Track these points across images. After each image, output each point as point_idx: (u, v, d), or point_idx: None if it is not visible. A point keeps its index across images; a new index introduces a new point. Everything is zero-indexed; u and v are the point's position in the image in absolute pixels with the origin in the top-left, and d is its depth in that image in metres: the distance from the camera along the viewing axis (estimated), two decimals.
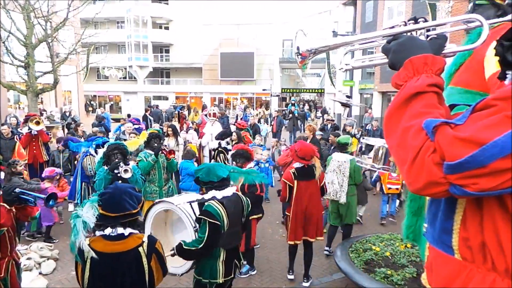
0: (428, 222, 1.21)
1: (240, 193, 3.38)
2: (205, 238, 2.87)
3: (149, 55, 37.06)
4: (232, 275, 3.21)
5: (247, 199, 3.38)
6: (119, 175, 4.68)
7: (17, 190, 2.99)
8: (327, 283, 4.94)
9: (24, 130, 8.10)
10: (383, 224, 7.13)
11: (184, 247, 2.89)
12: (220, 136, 6.46)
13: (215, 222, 2.89)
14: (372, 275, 4.22)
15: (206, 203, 2.99)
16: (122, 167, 4.68)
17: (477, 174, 0.85)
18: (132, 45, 35.71)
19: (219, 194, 3.08)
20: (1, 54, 14.22)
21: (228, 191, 3.14)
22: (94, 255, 2.33)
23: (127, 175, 4.64)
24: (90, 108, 35.19)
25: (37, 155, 7.93)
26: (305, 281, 4.81)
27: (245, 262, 5.28)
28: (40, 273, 5.01)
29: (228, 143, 6.36)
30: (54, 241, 6.00)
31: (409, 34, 1.19)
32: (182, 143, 8.55)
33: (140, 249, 2.36)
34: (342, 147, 5.76)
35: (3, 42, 12.74)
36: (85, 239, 2.35)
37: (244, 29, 35.49)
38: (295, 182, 4.67)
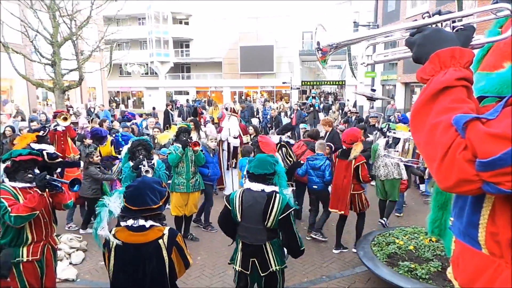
0: (455, 216, 1.19)
1: (277, 196, 3.08)
2: (219, 215, 3.32)
3: (170, 50, 37.48)
4: (248, 272, 3.18)
5: (281, 201, 3.06)
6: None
7: (48, 176, 3.15)
8: (349, 276, 4.92)
9: (51, 126, 8.38)
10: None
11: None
12: (281, 131, 6.42)
13: (227, 205, 3.20)
14: (395, 269, 4.18)
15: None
16: (144, 166, 4.80)
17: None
18: (153, 41, 36.21)
19: (248, 185, 3.22)
20: (30, 53, 14.74)
21: (256, 186, 3.16)
22: (118, 243, 2.43)
23: (148, 175, 4.75)
24: (114, 104, 35.98)
25: (65, 150, 8.20)
26: (354, 247, 5.47)
27: None
28: (70, 263, 5.23)
29: (289, 137, 6.30)
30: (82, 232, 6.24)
31: (434, 26, 1.14)
32: (204, 137, 8.66)
33: (160, 241, 2.42)
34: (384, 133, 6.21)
35: (31, 41, 13.18)
36: (107, 228, 2.45)
37: (263, 22, 35.29)
38: (337, 160, 5.53)
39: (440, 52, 1.02)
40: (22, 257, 3.20)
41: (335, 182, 5.59)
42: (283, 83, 33.09)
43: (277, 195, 3.12)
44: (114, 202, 2.57)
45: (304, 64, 40.15)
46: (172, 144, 6.10)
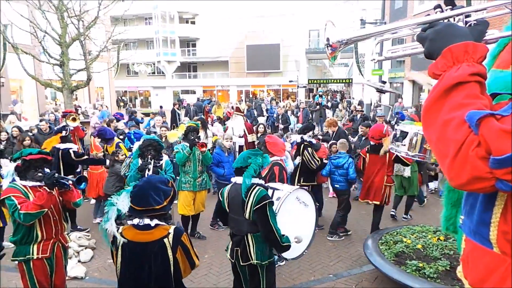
0: (465, 214, 1.17)
1: (256, 188, 3.14)
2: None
3: (177, 50, 37.63)
4: (234, 260, 3.31)
5: (257, 193, 3.11)
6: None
7: (56, 175, 3.21)
8: (356, 275, 4.90)
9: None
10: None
11: None
12: (302, 130, 6.34)
13: (219, 197, 3.44)
14: (403, 268, 4.15)
15: None
16: (148, 171, 4.83)
17: None
18: (160, 41, 36.38)
19: (234, 179, 3.41)
20: (39, 53, 14.91)
21: (239, 180, 3.29)
22: (124, 241, 2.46)
23: None
24: (122, 103, 36.25)
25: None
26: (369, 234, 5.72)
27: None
28: (79, 261, 5.28)
29: (310, 136, 6.27)
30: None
31: (446, 21, 1.13)
32: (211, 136, 8.68)
33: (166, 240, 2.43)
34: None
35: (40, 42, 13.33)
36: (115, 226, 2.47)
37: (269, 20, 35.23)
38: (367, 155, 5.76)
39: (453, 47, 1.00)
40: (32, 254, 3.25)
41: (368, 175, 5.77)
42: (290, 81, 33.03)
43: (257, 187, 3.16)
44: (122, 201, 2.58)
45: (310, 62, 40.02)
46: (180, 143, 6.13)
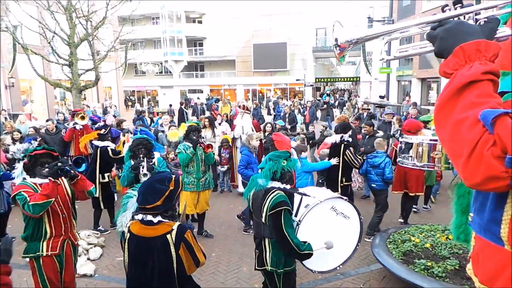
0: (475, 212, 1.16)
1: (274, 192, 3.07)
2: None
3: (184, 49, 37.77)
4: (257, 264, 3.30)
5: (273, 198, 3.03)
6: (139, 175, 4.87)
7: (58, 164, 3.26)
8: (364, 274, 4.88)
9: (70, 125, 8.58)
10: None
11: None
12: (343, 129, 6.19)
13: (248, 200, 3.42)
14: (411, 267, 4.11)
15: None
16: (143, 168, 4.83)
17: None
18: (167, 40, 36.54)
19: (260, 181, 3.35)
20: (48, 54, 15.08)
21: (262, 182, 3.27)
22: (127, 234, 2.52)
23: (145, 178, 4.80)
24: (130, 103, 36.52)
25: (83, 148, 8.37)
26: (403, 221, 6.23)
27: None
28: (88, 259, 5.34)
29: (350, 136, 6.19)
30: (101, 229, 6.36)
31: (456, 19, 1.11)
32: (218, 135, 8.69)
33: (168, 236, 2.43)
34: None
35: (49, 42, 13.49)
36: (129, 218, 2.51)
37: (276, 19, 35.18)
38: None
39: (464, 46, 0.99)
40: (42, 251, 3.31)
41: (402, 168, 5.73)
42: (297, 80, 32.98)
43: (275, 191, 3.06)
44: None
45: (317, 61, 39.87)
46: (181, 142, 6.06)
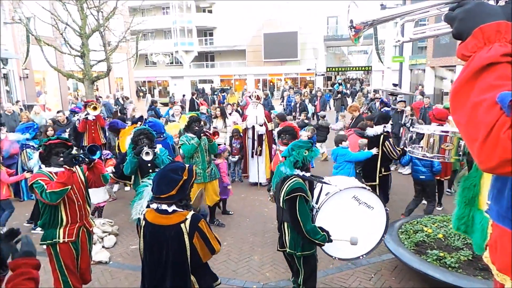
0: (492, 199, 1.14)
1: (292, 179, 3.19)
2: None
3: (194, 39, 37.68)
4: (278, 246, 3.48)
5: (290, 185, 3.16)
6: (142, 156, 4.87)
7: (73, 152, 3.34)
8: (375, 263, 4.87)
9: (82, 115, 8.69)
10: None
11: None
12: (384, 119, 6.18)
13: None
14: (423, 257, 4.08)
15: None
16: (144, 150, 4.84)
17: None
18: (177, 31, 36.49)
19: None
20: (60, 45, 15.23)
21: (284, 169, 3.38)
22: (142, 222, 2.55)
23: (148, 158, 4.81)
24: (141, 94, 36.77)
25: (95, 138, 8.49)
26: (439, 206, 6.38)
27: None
28: (103, 247, 5.45)
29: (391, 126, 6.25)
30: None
31: None
32: (229, 125, 8.70)
33: (182, 225, 2.45)
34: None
35: (61, 34, 13.61)
36: (145, 206, 2.55)
37: (287, 8, 34.71)
38: None
39: (484, 27, 0.97)
40: (59, 238, 3.39)
41: None
42: (308, 69, 32.67)
43: (293, 178, 3.17)
44: None
45: (329, 50, 39.38)
46: (183, 134, 6.00)
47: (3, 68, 18.13)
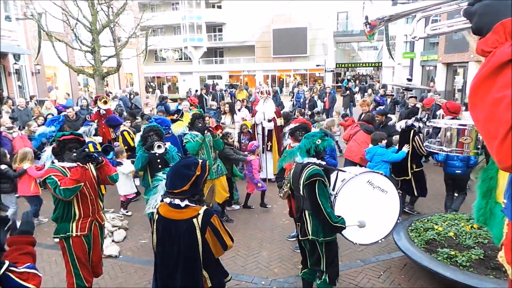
0: (508, 198, 1.12)
1: (310, 166, 3.35)
2: None
3: (203, 35, 37.69)
4: (300, 235, 3.55)
5: (309, 171, 3.31)
6: (154, 152, 4.87)
7: (86, 150, 3.38)
8: (384, 261, 4.85)
9: (95, 110, 8.77)
10: None
11: None
12: (414, 113, 6.22)
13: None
14: (433, 255, 4.05)
15: None
16: (155, 143, 4.85)
17: None
18: (186, 26, 36.53)
19: (297, 159, 3.59)
20: (71, 40, 15.37)
21: (300, 159, 3.51)
22: (155, 216, 2.60)
23: (160, 151, 4.82)
24: (150, 89, 36.96)
25: (105, 132, 8.57)
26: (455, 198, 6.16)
27: (293, 234, 5.37)
28: (112, 241, 5.52)
29: (417, 120, 6.22)
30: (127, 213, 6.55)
31: None
32: (238, 121, 8.69)
33: (195, 220, 2.46)
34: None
35: (72, 29, 13.73)
36: (158, 201, 2.58)
37: (296, 3, 34.47)
38: None
39: (506, 22, 0.94)
40: (72, 232, 3.44)
41: None
42: (317, 65, 32.45)
43: (311, 165, 3.34)
44: None
45: (338, 46, 39.04)
46: (188, 133, 5.97)
47: (15, 63, 18.38)
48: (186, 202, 2.52)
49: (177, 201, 2.52)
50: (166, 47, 34.13)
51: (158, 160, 4.98)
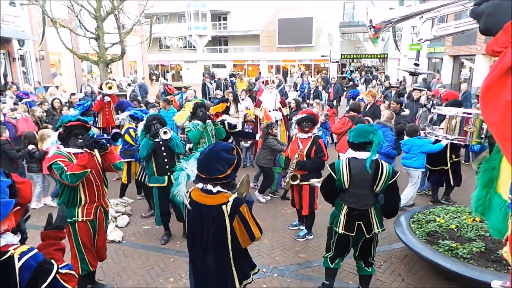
0: None
1: (382, 161, 3.37)
2: (321, 182, 3.64)
3: (208, 23, 37.40)
4: (354, 234, 3.49)
5: (388, 168, 3.34)
6: (158, 140, 4.87)
7: (94, 136, 3.42)
8: (385, 252, 4.88)
9: (99, 97, 8.80)
10: None
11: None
12: (455, 106, 6.36)
13: (332, 173, 3.46)
14: (435, 247, 4.08)
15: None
16: (161, 129, 4.82)
17: None
18: (191, 14, 36.23)
19: (351, 154, 3.46)
20: (75, 27, 15.31)
21: (362, 155, 3.38)
22: (187, 202, 2.61)
23: (166, 136, 4.80)
24: (154, 77, 36.87)
25: (109, 119, 8.60)
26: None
27: (302, 227, 5.40)
28: (116, 226, 5.58)
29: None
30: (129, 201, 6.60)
31: None
32: (242, 110, 8.67)
33: (224, 207, 2.45)
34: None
35: (77, 16, 13.65)
36: (185, 189, 2.63)
37: None
38: None
39: None
40: (77, 217, 3.49)
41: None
42: (322, 56, 32.18)
43: (383, 163, 3.37)
44: (191, 167, 2.71)
45: (344, 36, 38.64)
46: (190, 122, 5.96)
47: (19, 49, 18.36)
48: (219, 188, 2.51)
49: (209, 187, 2.51)
50: (170, 35, 33.91)
51: (162, 148, 4.98)
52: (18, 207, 1.73)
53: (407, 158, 6.15)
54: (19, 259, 1.62)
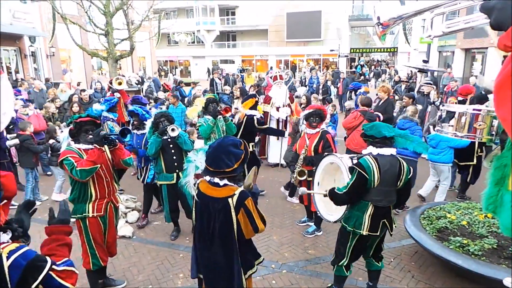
0: None
1: (400, 158, 3.38)
2: (349, 186, 3.29)
3: (216, 18, 37.30)
4: (378, 233, 3.41)
5: (408, 165, 3.38)
6: (166, 137, 4.88)
7: (103, 132, 3.45)
8: (395, 248, 4.85)
9: (108, 94, 8.85)
10: None
11: (335, 190, 3.40)
12: (479, 101, 6.26)
13: (363, 173, 3.24)
14: (445, 244, 4.03)
15: (362, 157, 3.38)
16: (169, 127, 4.83)
17: None
18: (199, 9, 36.17)
19: (375, 151, 3.35)
20: (85, 23, 15.41)
21: (386, 151, 3.33)
22: (194, 193, 2.68)
23: (174, 134, 4.81)
24: (163, 73, 37.00)
25: (119, 115, 8.64)
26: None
27: (311, 223, 5.39)
28: (126, 222, 5.64)
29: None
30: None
31: None
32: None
33: (230, 200, 2.52)
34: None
35: (86, 12, 13.74)
36: (193, 181, 2.69)
37: None
38: None
39: None
40: (88, 213, 3.53)
41: None
42: (331, 50, 31.90)
43: (400, 159, 3.39)
44: (200, 159, 2.79)
45: (353, 30, 38.19)
46: (202, 117, 5.96)
47: (30, 46, 18.57)
48: (225, 181, 2.58)
49: (216, 180, 2.58)
50: (178, 30, 33.94)
51: (171, 145, 5.00)
52: (5, 201, 1.69)
53: (434, 153, 6.05)
54: (8, 258, 1.56)
